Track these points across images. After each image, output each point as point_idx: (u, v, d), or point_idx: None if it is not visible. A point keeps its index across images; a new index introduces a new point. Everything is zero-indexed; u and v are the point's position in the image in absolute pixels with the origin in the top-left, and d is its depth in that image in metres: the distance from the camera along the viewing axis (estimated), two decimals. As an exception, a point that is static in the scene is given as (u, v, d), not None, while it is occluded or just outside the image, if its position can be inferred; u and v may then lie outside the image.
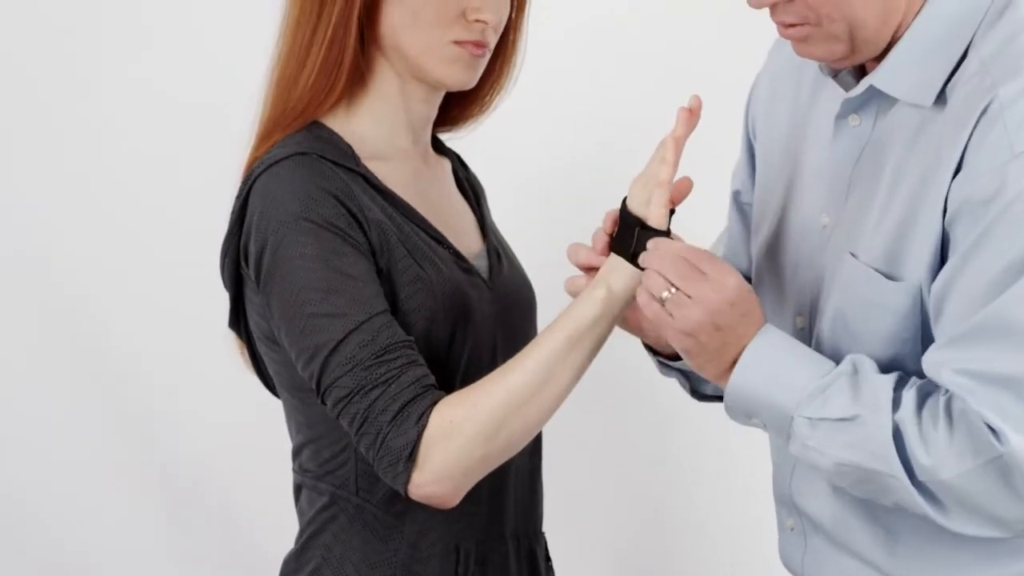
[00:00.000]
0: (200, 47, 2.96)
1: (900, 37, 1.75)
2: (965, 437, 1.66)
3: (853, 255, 1.79)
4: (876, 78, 1.76)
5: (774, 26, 1.77)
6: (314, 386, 1.83)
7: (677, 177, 1.84)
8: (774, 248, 1.95)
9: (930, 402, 1.69)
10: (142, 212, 2.98)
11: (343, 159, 1.90)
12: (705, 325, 1.72)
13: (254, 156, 1.93)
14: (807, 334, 1.87)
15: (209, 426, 2.98)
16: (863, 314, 1.78)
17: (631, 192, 1.83)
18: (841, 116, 1.82)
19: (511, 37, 2.03)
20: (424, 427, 1.76)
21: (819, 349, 1.81)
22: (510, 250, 2.10)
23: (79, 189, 2.98)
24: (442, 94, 2.00)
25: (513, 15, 2.01)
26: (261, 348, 1.94)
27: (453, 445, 1.76)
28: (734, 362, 1.75)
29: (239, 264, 1.90)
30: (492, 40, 1.94)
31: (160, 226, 2.98)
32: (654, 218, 1.80)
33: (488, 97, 2.07)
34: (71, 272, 3.00)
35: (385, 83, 1.96)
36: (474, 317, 1.94)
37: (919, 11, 1.74)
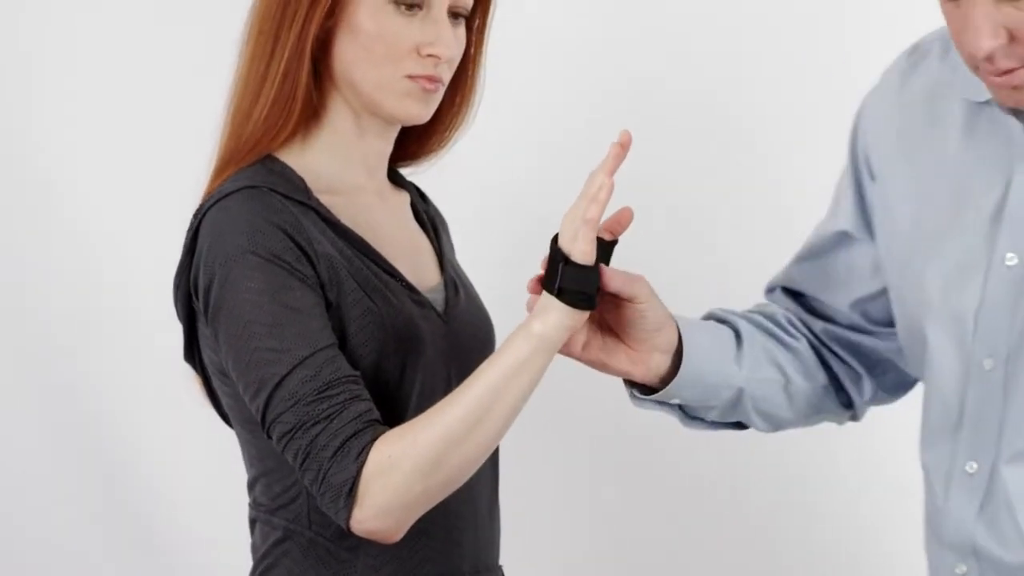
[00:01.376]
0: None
1: None
2: None
3: None
4: None
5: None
6: (259, 420, 1.82)
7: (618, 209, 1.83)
8: (947, 291, 1.89)
9: None
10: (95, 232, 2.97)
11: (295, 193, 1.89)
12: None
13: (209, 190, 1.93)
14: (999, 376, 1.82)
15: (161, 454, 2.97)
16: None
17: (561, 227, 1.80)
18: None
19: (469, 71, 2.02)
20: (363, 463, 1.75)
21: (1013, 390, 1.79)
22: (469, 284, 2.09)
23: (31, 202, 2.97)
24: (397, 128, 1.99)
25: (471, 50, 2.01)
26: (215, 382, 1.93)
27: (392, 481, 1.75)
28: None
29: (191, 298, 1.89)
30: (446, 75, 1.94)
31: (117, 250, 2.97)
32: (578, 254, 1.77)
33: (447, 132, 2.06)
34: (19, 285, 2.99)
35: (339, 117, 1.96)
36: (426, 351, 1.92)
37: None
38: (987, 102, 1.83)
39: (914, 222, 1.92)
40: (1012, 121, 1.80)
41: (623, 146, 1.77)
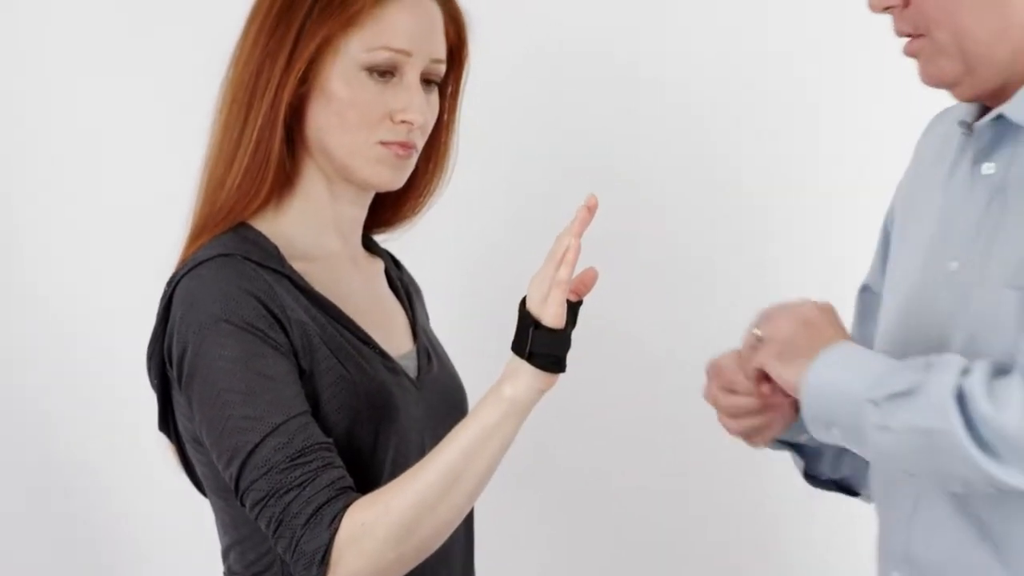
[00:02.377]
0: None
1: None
2: None
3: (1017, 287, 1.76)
4: (1006, 107, 1.74)
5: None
6: (233, 488, 1.81)
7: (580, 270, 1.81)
8: (906, 307, 1.91)
9: (1001, 376, 1.65)
10: (68, 300, 2.94)
11: (268, 260, 1.89)
12: (793, 324, 1.76)
13: (183, 257, 1.93)
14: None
15: (135, 520, 2.93)
16: (998, 338, 1.75)
17: (529, 291, 1.79)
18: (976, 163, 1.80)
19: (443, 138, 2.03)
20: (336, 530, 1.75)
21: None
22: (442, 351, 2.09)
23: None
24: (371, 195, 1.99)
25: (444, 116, 2.01)
26: (189, 450, 1.92)
27: (364, 548, 1.75)
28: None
29: (164, 366, 1.88)
30: (419, 141, 1.94)
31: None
32: (549, 317, 1.76)
33: (421, 198, 2.06)
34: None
35: (313, 184, 1.95)
36: (399, 417, 1.92)
37: None
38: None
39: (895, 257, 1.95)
40: (968, 152, 1.83)
41: (590, 209, 1.77)
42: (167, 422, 1.93)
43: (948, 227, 1.83)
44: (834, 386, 1.73)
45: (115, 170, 2.88)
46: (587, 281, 1.81)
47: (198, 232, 1.93)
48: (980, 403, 1.62)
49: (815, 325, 1.76)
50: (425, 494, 1.76)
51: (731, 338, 1.93)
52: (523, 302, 1.80)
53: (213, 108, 1.96)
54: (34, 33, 2.89)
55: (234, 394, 1.80)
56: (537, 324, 1.77)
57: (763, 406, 1.86)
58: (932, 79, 1.78)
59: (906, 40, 1.77)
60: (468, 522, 2.02)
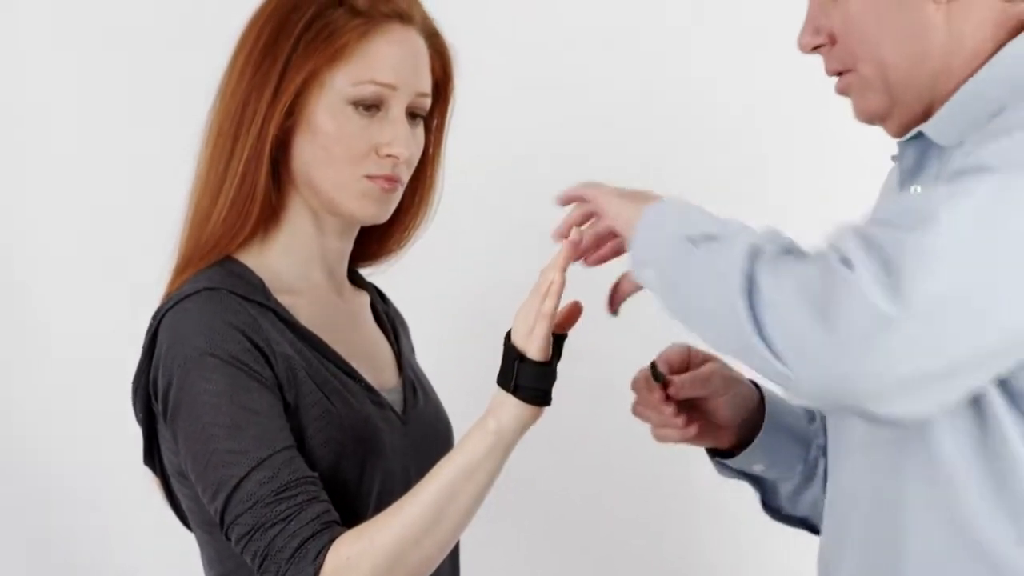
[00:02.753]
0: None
1: (950, 97, 1.75)
2: (819, 261, 1.57)
3: None
4: (927, 126, 1.76)
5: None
6: (218, 522, 1.81)
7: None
8: None
9: (792, 243, 1.63)
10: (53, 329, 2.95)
11: (253, 294, 1.90)
12: (612, 192, 1.78)
13: (168, 291, 1.94)
14: None
15: (121, 555, 2.92)
16: None
17: (514, 324, 1.81)
18: (903, 186, 1.81)
19: (428, 171, 2.04)
20: (321, 565, 1.75)
21: None
22: (428, 384, 2.10)
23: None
24: (356, 229, 2.01)
25: (430, 150, 2.03)
26: (174, 483, 1.92)
27: None
28: None
29: (150, 400, 1.89)
30: (404, 175, 1.95)
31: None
32: (535, 350, 1.78)
33: (406, 231, 2.08)
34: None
35: (299, 218, 1.96)
36: (384, 450, 1.93)
37: (974, 73, 1.74)
38: None
39: None
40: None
41: (575, 244, 1.79)
42: (152, 456, 1.93)
43: None
44: (662, 227, 1.71)
45: (111, 175, 2.90)
46: (572, 315, 1.83)
47: (184, 265, 1.94)
48: (763, 269, 1.58)
49: (637, 192, 1.78)
50: (410, 528, 1.77)
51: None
52: (508, 335, 1.81)
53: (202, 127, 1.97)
54: (33, 40, 2.90)
55: (219, 428, 1.80)
56: (522, 357, 1.78)
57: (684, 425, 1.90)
58: (864, 114, 1.80)
59: (837, 79, 1.80)
60: (453, 555, 2.02)
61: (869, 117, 1.81)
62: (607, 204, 1.79)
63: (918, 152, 1.78)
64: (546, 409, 1.82)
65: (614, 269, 1.94)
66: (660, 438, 1.93)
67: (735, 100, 2.86)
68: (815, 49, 1.80)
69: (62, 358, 2.89)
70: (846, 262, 1.53)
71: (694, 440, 1.95)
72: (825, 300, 1.52)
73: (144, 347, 1.90)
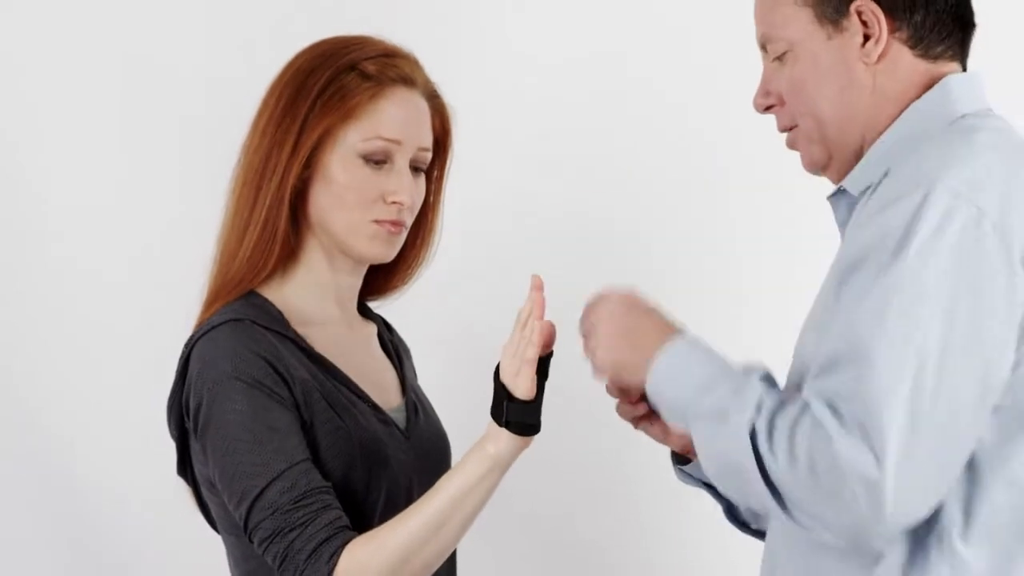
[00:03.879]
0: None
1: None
2: (805, 445, 1.65)
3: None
4: (847, 181, 1.85)
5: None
6: (242, 527, 1.92)
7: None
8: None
9: (785, 410, 1.69)
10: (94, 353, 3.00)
11: (274, 324, 1.99)
12: (612, 336, 1.84)
13: (199, 321, 2.03)
14: None
15: (156, 556, 2.98)
16: None
17: (502, 363, 1.91)
18: (842, 235, 1.88)
19: (429, 216, 2.13)
20: (335, 565, 1.86)
21: None
22: (428, 404, 2.18)
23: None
24: (366, 267, 2.09)
25: (431, 198, 2.12)
26: (204, 492, 2.02)
27: None
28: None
29: (183, 418, 1.99)
30: (408, 219, 2.04)
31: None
32: (521, 391, 1.89)
33: (410, 269, 2.16)
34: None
35: (314, 257, 2.05)
36: (390, 464, 2.02)
37: (888, 130, 1.83)
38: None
39: None
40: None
41: (539, 289, 1.89)
42: (184, 467, 2.03)
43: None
44: (663, 397, 1.80)
45: (124, 177, 2.96)
46: (548, 337, 1.92)
47: (213, 298, 2.04)
48: (763, 446, 1.67)
49: (634, 332, 1.83)
50: (415, 535, 1.88)
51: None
52: (497, 372, 1.91)
53: (228, 179, 2.06)
54: (38, 41, 2.95)
55: (243, 443, 1.90)
56: (511, 397, 1.89)
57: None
58: (809, 165, 1.90)
59: (786, 129, 1.89)
60: (451, 558, 2.11)
61: (813, 167, 1.90)
62: (601, 359, 1.85)
63: (847, 204, 1.87)
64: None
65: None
66: (618, 413, 1.96)
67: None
68: (767, 109, 1.90)
69: (96, 361, 2.95)
70: (827, 439, 1.62)
71: (650, 429, 1.97)
72: (827, 481, 1.63)
73: (177, 371, 2.00)
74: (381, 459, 2.02)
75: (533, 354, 1.88)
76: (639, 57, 2.98)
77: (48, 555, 2.95)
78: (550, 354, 1.93)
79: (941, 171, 1.69)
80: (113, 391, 2.94)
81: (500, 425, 1.90)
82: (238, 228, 2.04)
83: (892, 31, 1.82)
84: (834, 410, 1.64)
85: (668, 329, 1.83)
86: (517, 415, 1.89)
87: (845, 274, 1.72)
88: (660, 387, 1.81)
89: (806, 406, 1.67)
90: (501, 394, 1.90)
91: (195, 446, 1.99)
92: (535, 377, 1.89)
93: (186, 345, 2.01)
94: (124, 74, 2.97)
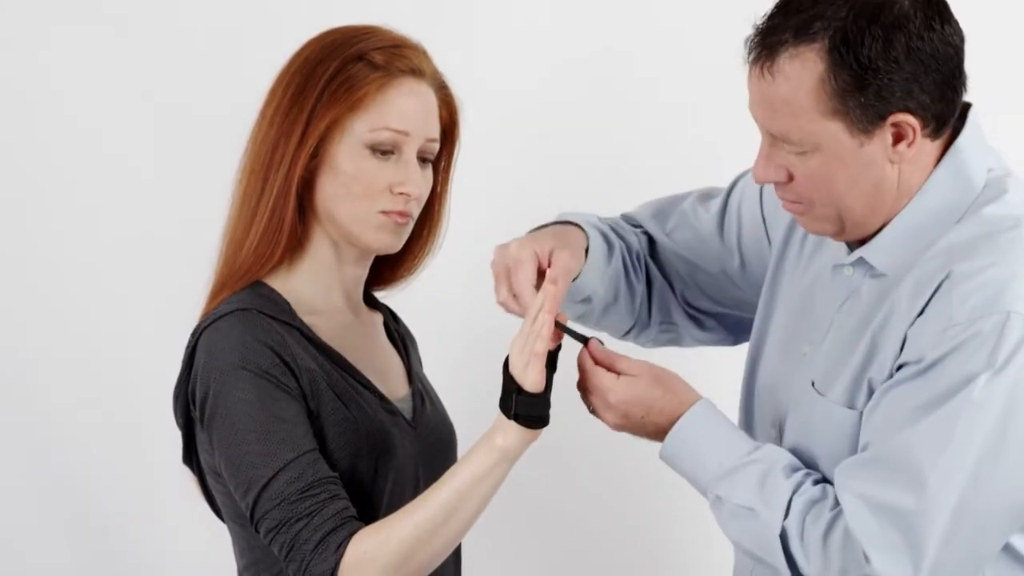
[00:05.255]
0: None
1: (889, 222, 1.85)
2: (839, 553, 1.75)
3: (817, 389, 1.89)
4: (866, 252, 1.87)
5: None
6: (249, 516, 1.90)
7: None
8: (756, 361, 2.06)
9: (815, 511, 1.79)
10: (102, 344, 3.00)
11: (280, 314, 1.97)
12: (629, 416, 1.91)
13: (205, 311, 2.02)
14: (778, 442, 1.96)
15: (160, 543, 2.99)
16: (820, 436, 1.89)
17: (511, 356, 1.89)
18: (838, 266, 1.92)
19: (436, 207, 2.11)
20: (342, 556, 1.84)
21: None
22: (434, 394, 2.17)
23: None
24: (372, 257, 2.08)
25: (438, 188, 2.10)
26: (210, 481, 2.00)
27: (366, 572, 1.84)
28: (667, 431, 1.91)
29: (189, 407, 1.97)
30: (415, 210, 2.02)
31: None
32: (530, 384, 1.87)
33: (416, 260, 2.15)
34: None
35: (321, 247, 2.03)
36: (396, 453, 2.00)
37: (909, 202, 1.84)
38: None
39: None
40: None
41: (554, 283, 1.88)
42: (190, 456, 2.01)
43: (807, 311, 1.96)
44: (681, 466, 1.90)
45: (126, 171, 2.96)
46: (558, 332, 1.91)
47: (219, 288, 2.02)
48: (798, 555, 1.77)
49: (651, 409, 1.92)
50: (422, 527, 1.85)
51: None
52: (506, 364, 1.89)
53: (234, 170, 2.05)
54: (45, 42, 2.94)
55: (250, 433, 1.88)
56: (520, 390, 1.86)
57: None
58: (814, 232, 1.90)
59: (790, 202, 1.88)
60: (456, 550, 2.10)
61: (817, 234, 1.92)
62: (610, 416, 1.94)
63: (863, 270, 1.89)
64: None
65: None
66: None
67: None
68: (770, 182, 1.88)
69: (98, 350, 2.95)
70: (862, 557, 1.74)
71: None
72: None
73: (184, 360, 1.97)
74: (387, 449, 2.00)
75: (543, 347, 1.86)
76: (643, 56, 2.99)
77: (55, 547, 2.96)
78: (559, 347, 1.91)
79: (1010, 295, 1.74)
80: (116, 381, 2.95)
81: (509, 417, 1.88)
82: (245, 218, 2.02)
83: (922, 129, 1.81)
84: (875, 516, 1.74)
85: (681, 401, 1.92)
86: (526, 408, 1.87)
87: (907, 378, 1.77)
88: (674, 460, 1.91)
89: (839, 513, 1.76)
90: (510, 387, 1.88)
91: (201, 436, 1.97)
92: (544, 370, 1.87)
93: (192, 335, 1.99)
94: (124, 71, 2.97)
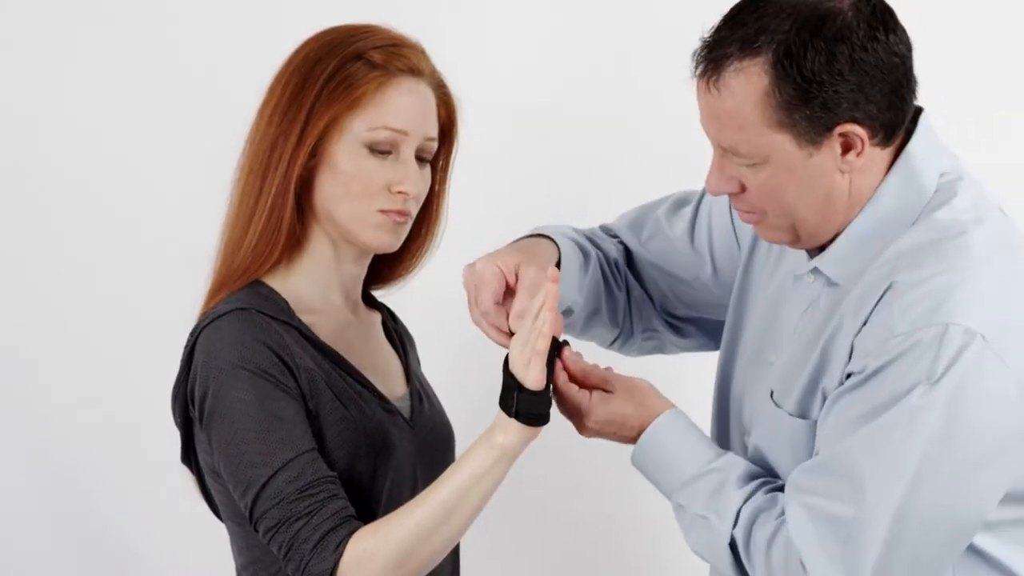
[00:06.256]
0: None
1: (843, 231, 1.84)
2: (781, 562, 1.77)
3: (774, 400, 1.89)
4: (820, 262, 1.87)
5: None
6: (248, 516, 1.88)
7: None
8: (728, 370, 2.06)
9: (761, 519, 1.81)
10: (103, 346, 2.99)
11: (279, 313, 1.96)
12: (602, 433, 1.96)
13: (204, 310, 2.00)
14: (746, 452, 1.97)
15: (159, 543, 2.98)
16: (779, 445, 1.89)
17: (511, 353, 1.87)
18: (799, 274, 1.91)
19: (434, 206, 2.10)
20: (341, 555, 1.83)
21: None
22: (432, 393, 2.16)
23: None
24: (370, 256, 2.06)
25: (436, 187, 2.09)
26: (208, 480, 1.99)
27: (366, 571, 1.83)
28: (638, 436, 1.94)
29: (187, 406, 1.96)
30: (413, 209, 2.01)
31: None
32: (532, 381, 1.85)
33: (414, 259, 2.14)
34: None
35: (319, 246, 2.02)
36: (394, 452, 1.99)
37: (862, 210, 1.83)
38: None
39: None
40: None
41: (555, 281, 1.86)
42: (188, 456, 2.00)
43: (773, 319, 1.96)
44: (649, 473, 1.93)
45: (124, 171, 2.95)
46: (558, 329, 1.90)
47: (218, 288, 2.01)
48: (745, 563, 1.79)
49: (622, 421, 1.95)
50: (421, 526, 1.84)
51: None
52: (506, 362, 1.87)
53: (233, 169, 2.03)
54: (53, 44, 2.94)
55: (249, 432, 1.87)
56: (521, 387, 1.85)
57: None
58: (770, 241, 1.90)
59: (745, 212, 1.88)
60: (454, 550, 2.09)
61: (775, 243, 1.91)
62: (585, 433, 1.97)
63: (822, 278, 1.89)
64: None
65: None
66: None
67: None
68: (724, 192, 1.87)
69: (98, 350, 2.94)
70: (801, 566, 1.75)
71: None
72: None
73: (182, 360, 1.96)
74: (386, 448, 1.99)
75: (544, 345, 1.85)
76: (643, 56, 2.98)
77: (54, 546, 2.96)
78: (557, 345, 1.90)
79: (950, 305, 1.73)
80: (115, 381, 2.95)
81: (510, 416, 1.86)
82: (243, 217, 2.01)
83: (870, 138, 1.80)
84: (814, 524, 1.74)
85: (651, 411, 1.95)
86: (527, 406, 1.86)
87: (851, 387, 1.77)
88: (642, 467, 1.95)
89: (783, 522, 1.78)
90: (511, 384, 1.87)
91: (200, 435, 1.96)
92: (545, 367, 1.85)
93: (191, 334, 1.98)
94: (123, 71, 2.96)
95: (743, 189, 1.84)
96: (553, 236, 2.09)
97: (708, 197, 2.16)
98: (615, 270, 2.17)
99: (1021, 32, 2.95)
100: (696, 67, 1.81)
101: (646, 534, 2.99)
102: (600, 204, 2.87)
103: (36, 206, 2.95)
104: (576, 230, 2.18)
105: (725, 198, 2.09)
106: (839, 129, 1.77)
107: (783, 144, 1.78)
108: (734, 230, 2.13)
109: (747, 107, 1.77)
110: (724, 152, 1.83)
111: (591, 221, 2.24)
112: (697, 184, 2.24)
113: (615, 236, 2.22)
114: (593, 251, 2.15)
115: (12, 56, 2.94)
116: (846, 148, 1.79)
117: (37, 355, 2.94)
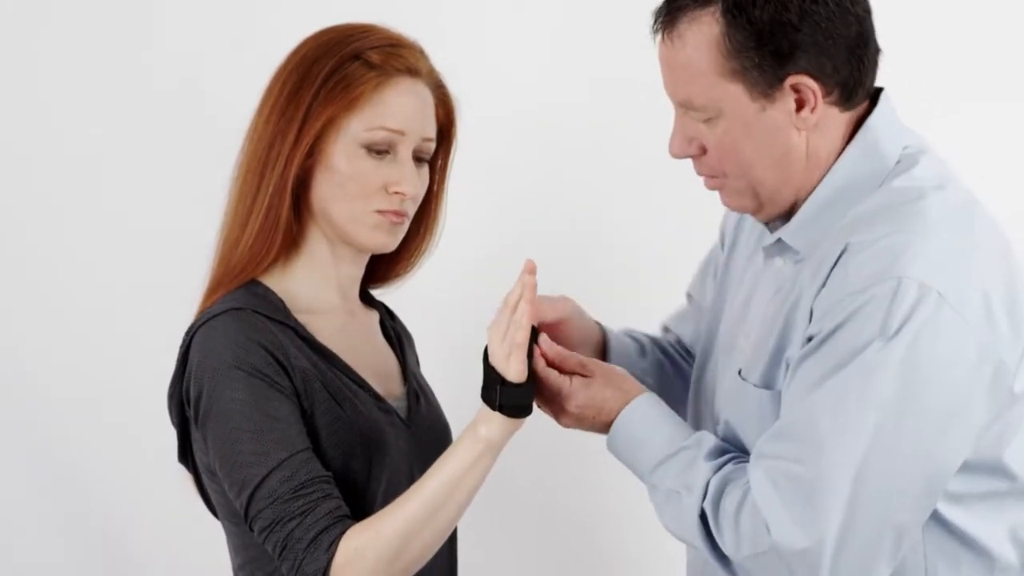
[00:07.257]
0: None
1: (805, 201, 1.85)
2: (749, 528, 1.76)
3: (742, 376, 1.91)
4: (784, 233, 1.87)
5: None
6: (242, 515, 1.88)
7: None
8: (705, 359, 2.07)
9: (729, 489, 1.80)
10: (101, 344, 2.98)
11: (275, 313, 1.95)
12: (582, 418, 1.95)
13: (200, 309, 1.99)
14: (717, 435, 1.97)
15: (155, 543, 2.97)
16: (747, 420, 1.90)
17: (490, 346, 1.86)
18: (769, 258, 1.92)
19: (432, 206, 2.09)
20: (333, 554, 1.82)
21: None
22: (430, 392, 2.15)
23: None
24: (368, 256, 2.06)
25: (435, 188, 2.08)
26: (205, 480, 1.98)
27: (358, 569, 1.82)
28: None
29: (183, 406, 1.95)
30: (411, 209, 2.00)
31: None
32: (513, 374, 1.85)
33: (412, 258, 2.13)
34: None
35: (316, 246, 2.01)
36: (390, 452, 1.98)
37: (822, 179, 1.84)
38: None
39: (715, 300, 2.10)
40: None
41: (531, 273, 1.86)
42: (185, 455, 1.99)
43: (746, 305, 1.97)
44: (623, 456, 1.93)
45: (123, 172, 2.94)
46: (534, 316, 1.88)
47: (214, 287, 2.00)
48: (715, 534, 1.79)
49: (596, 405, 1.94)
50: (411, 521, 1.83)
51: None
52: (486, 355, 1.87)
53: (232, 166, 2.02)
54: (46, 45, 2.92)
55: (244, 432, 1.86)
56: (504, 380, 1.84)
57: None
58: (734, 208, 1.90)
59: (707, 176, 1.88)
60: (452, 537, 2.09)
61: (738, 210, 1.91)
62: (566, 420, 1.97)
63: (791, 259, 1.89)
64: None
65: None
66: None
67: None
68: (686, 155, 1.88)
69: (97, 350, 2.93)
70: (766, 530, 1.74)
71: None
72: (769, 559, 1.75)
73: (178, 359, 1.95)
74: (381, 448, 1.98)
75: (523, 337, 1.84)
76: (643, 56, 2.87)
77: (54, 546, 2.95)
78: (536, 335, 1.90)
79: (904, 261, 1.72)
80: (115, 381, 2.94)
81: (493, 409, 1.86)
82: (240, 216, 2.00)
83: (825, 95, 1.81)
84: (776, 487, 1.73)
85: (626, 395, 1.95)
86: (510, 398, 1.85)
87: (810, 350, 1.77)
88: (617, 451, 1.95)
89: (749, 490, 1.77)
90: (493, 378, 1.86)
91: (196, 435, 1.95)
92: (526, 359, 1.85)
93: (187, 334, 1.97)
94: (122, 71, 2.95)
95: (703, 151, 1.85)
96: (600, 324, 2.16)
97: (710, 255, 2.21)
98: (679, 348, 2.23)
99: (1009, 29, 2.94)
100: (655, 23, 1.85)
101: (648, 535, 2.88)
102: (600, 204, 2.88)
103: (36, 206, 2.94)
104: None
105: (717, 244, 2.14)
106: (790, 81, 1.79)
107: (736, 95, 1.80)
108: (722, 243, 2.14)
109: (699, 55, 1.80)
110: (683, 111, 1.84)
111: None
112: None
113: (667, 330, 2.28)
114: (644, 338, 2.21)
115: (12, 56, 2.93)
116: (800, 104, 1.80)
117: (37, 355, 2.93)
